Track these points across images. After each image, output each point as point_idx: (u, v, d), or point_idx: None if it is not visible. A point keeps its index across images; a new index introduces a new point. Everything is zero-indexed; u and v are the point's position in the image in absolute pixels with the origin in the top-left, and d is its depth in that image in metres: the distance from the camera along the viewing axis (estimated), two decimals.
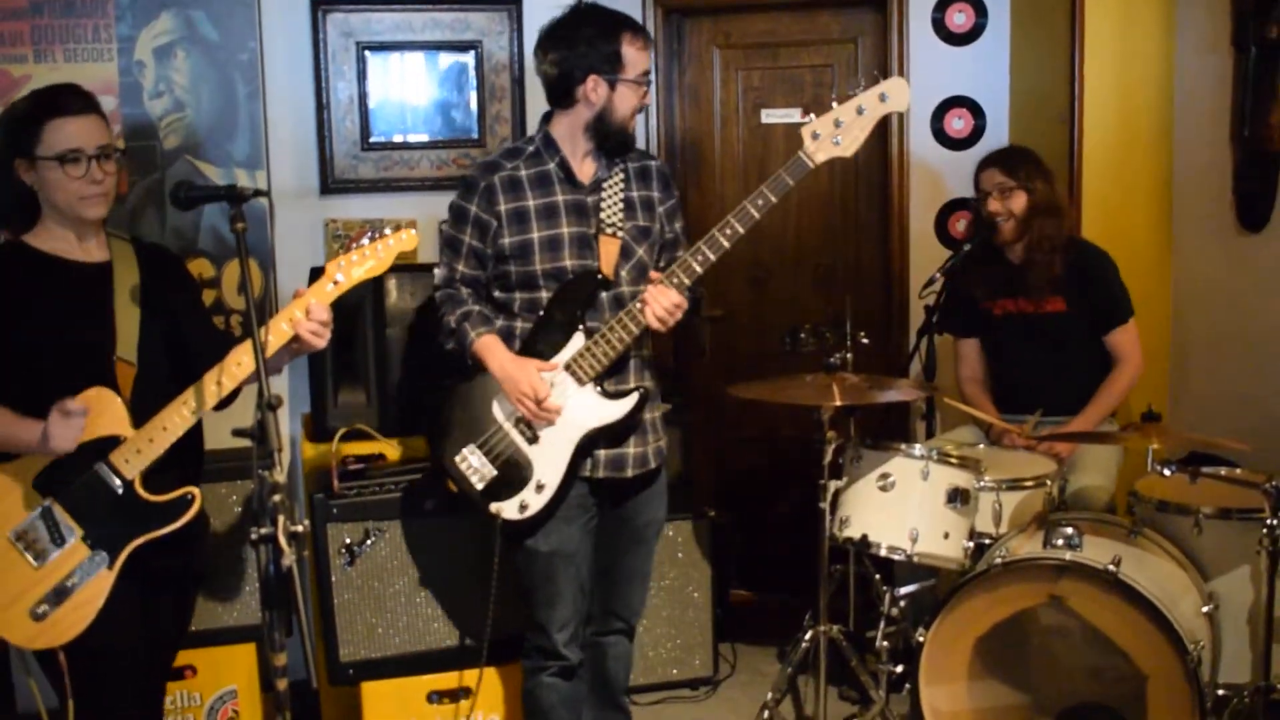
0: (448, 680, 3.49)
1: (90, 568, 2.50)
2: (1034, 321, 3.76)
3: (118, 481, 2.50)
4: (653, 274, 2.89)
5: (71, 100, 2.54)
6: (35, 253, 2.58)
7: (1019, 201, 3.72)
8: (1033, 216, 3.71)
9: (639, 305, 2.85)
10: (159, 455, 2.51)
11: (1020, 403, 3.79)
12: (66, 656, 2.50)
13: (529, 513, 2.95)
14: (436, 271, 3.06)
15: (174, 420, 2.50)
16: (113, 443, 2.51)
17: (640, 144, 4.17)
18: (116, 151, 2.60)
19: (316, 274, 3.65)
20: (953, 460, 3.34)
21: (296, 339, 2.53)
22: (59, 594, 2.49)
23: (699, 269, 2.85)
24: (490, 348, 2.93)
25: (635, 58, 2.91)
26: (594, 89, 2.91)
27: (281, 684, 2.18)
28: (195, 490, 2.56)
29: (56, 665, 2.51)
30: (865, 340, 3.74)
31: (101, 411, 2.50)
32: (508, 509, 2.96)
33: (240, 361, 2.50)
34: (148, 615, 2.63)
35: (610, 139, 2.96)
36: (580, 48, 2.90)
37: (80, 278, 2.60)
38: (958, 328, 3.99)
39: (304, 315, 2.52)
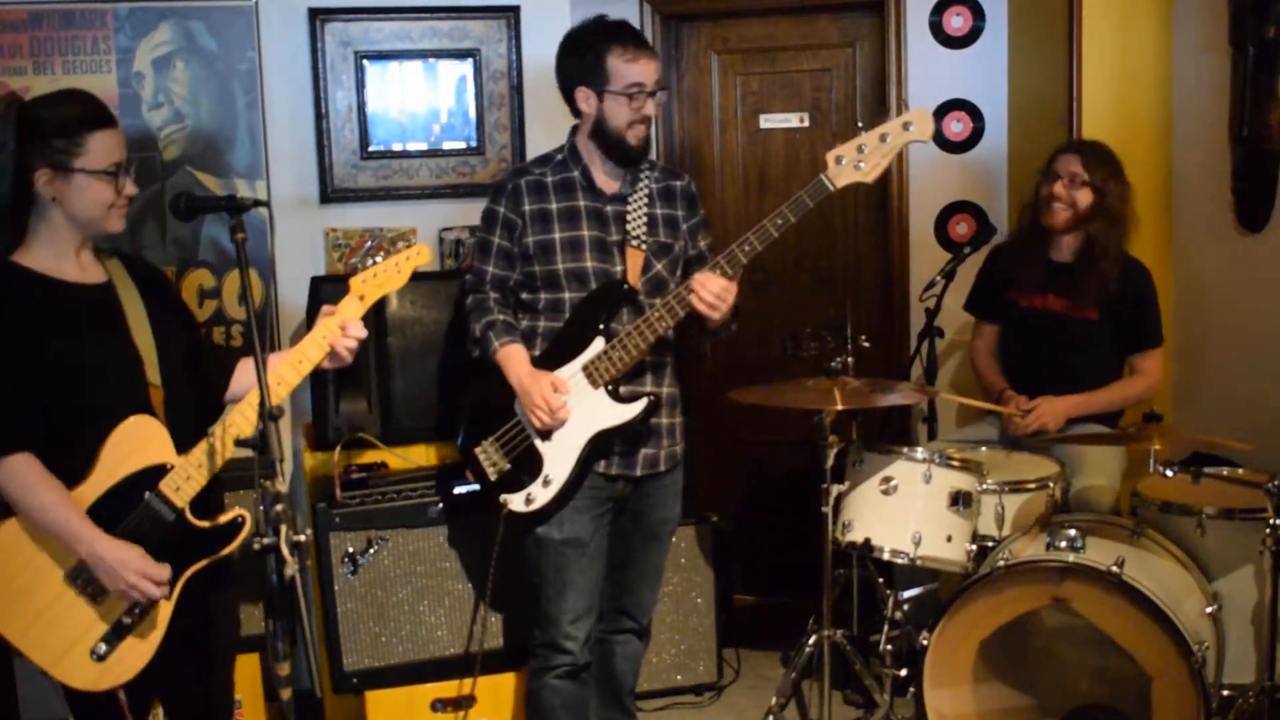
0: (452, 688, 3.49)
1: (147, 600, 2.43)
2: (1060, 323, 3.73)
3: (170, 511, 2.44)
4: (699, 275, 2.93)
5: (107, 112, 2.45)
6: (39, 276, 2.44)
7: (1084, 196, 3.65)
8: (1095, 220, 3.65)
9: (686, 290, 2.90)
10: (207, 481, 2.45)
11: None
12: (128, 695, 2.43)
13: (534, 506, 3.03)
14: (467, 277, 3.17)
15: (221, 445, 2.45)
16: (159, 471, 2.44)
17: None
18: (132, 163, 2.54)
19: (317, 283, 3.71)
20: (955, 463, 3.34)
21: (329, 354, 2.53)
22: (118, 631, 2.42)
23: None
24: (511, 358, 3.03)
25: (622, 69, 2.97)
26: (585, 100, 3.04)
27: (285, 693, 2.18)
28: (245, 513, 2.50)
29: (115, 706, 2.43)
30: (866, 344, 3.74)
31: (147, 440, 2.44)
32: (515, 501, 3.05)
33: (281, 379, 2.47)
34: (199, 638, 2.57)
35: (612, 150, 3.05)
36: (570, 60, 3.05)
37: (91, 301, 2.49)
38: (980, 311, 3.99)
39: (340, 332, 2.52)
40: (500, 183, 3.15)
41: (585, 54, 3.01)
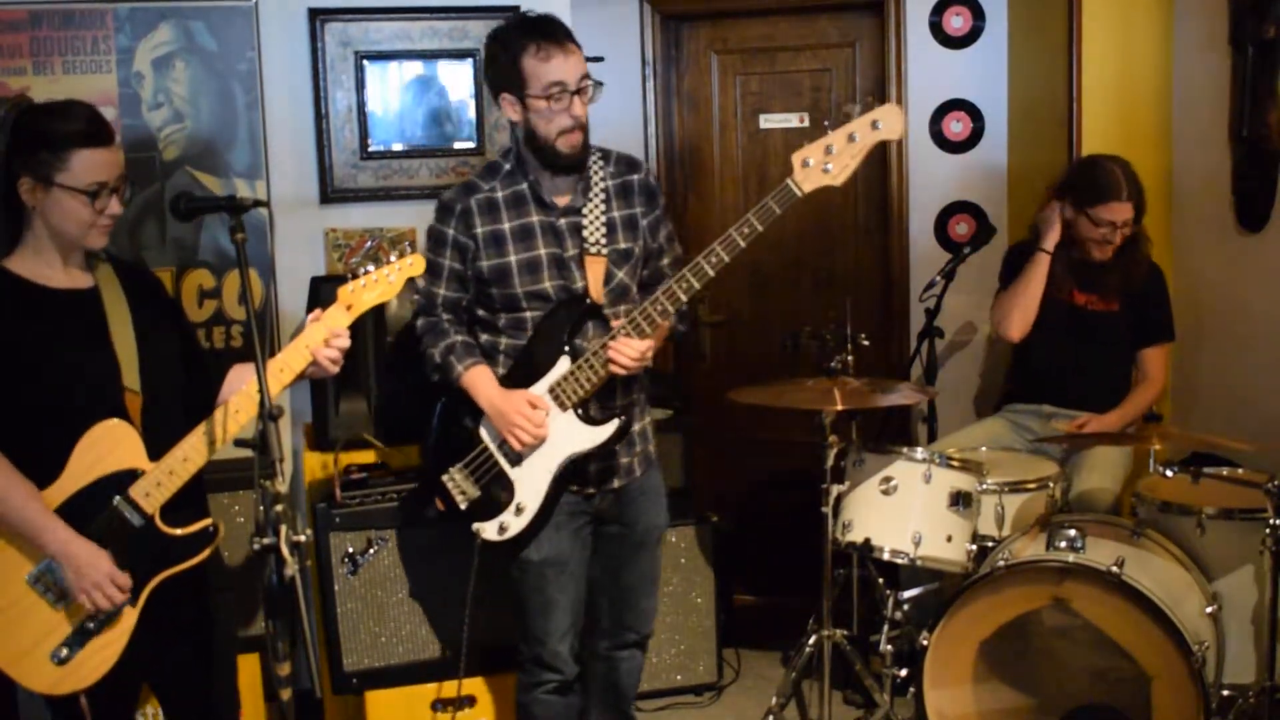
0: (451, 689, 3.48)
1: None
2: (1082, 316, 3.77)
3: (138, 517, 2.44)
4: (614, 323, 2.82)
5: (101, 130, 2.44)
6: (23, 281, 2.47)
7: (1127, 231, 3.69)
8: (1135, 243, 3.73)
9: (604, 357, 2.80)
10: (179, 488, 2.45)
11: (1042, 392, 3.80)
12: (89, 700, 2.43)
13: (508, 535, 2.95)
14: (416, 298, 3.01)
15: (195, 451, 2.45)
16: (130, 476, 2.44)
17: (639, 151, 4.17)
18: (126, 180, 2.52)
19: (317, 284, 3.70)
20: (955, 463, 3.34)
21: (313, 364, 2.51)
22: (81, 635, 2.42)
23: (684, 297, 2.79)
24: (477, 380, 2.92)
25: (539, 70, 2.78)
26: (511, 108, 2.85)
27: (285, 694, 2.18)
28: (216, 522, 2.51)
29: (77, 710, 2.43)
30: (866, 344, 3.74)
31: (118, 444, 2.44)
32: (487, 530, 2.96)
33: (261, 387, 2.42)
34: (169, 649, 2.56)
35: (546, 160, 2.87)
36: (490, 66, 2.88)
37: (73, 306, 2.50)
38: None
39: (323, 343, 2.50)
40: (449, 202, 2.94)
41: (501, 57, 2.82)
